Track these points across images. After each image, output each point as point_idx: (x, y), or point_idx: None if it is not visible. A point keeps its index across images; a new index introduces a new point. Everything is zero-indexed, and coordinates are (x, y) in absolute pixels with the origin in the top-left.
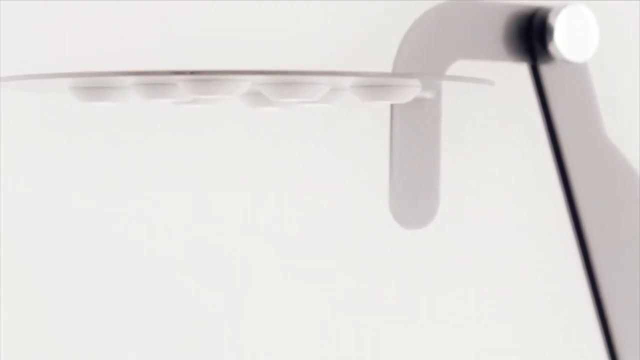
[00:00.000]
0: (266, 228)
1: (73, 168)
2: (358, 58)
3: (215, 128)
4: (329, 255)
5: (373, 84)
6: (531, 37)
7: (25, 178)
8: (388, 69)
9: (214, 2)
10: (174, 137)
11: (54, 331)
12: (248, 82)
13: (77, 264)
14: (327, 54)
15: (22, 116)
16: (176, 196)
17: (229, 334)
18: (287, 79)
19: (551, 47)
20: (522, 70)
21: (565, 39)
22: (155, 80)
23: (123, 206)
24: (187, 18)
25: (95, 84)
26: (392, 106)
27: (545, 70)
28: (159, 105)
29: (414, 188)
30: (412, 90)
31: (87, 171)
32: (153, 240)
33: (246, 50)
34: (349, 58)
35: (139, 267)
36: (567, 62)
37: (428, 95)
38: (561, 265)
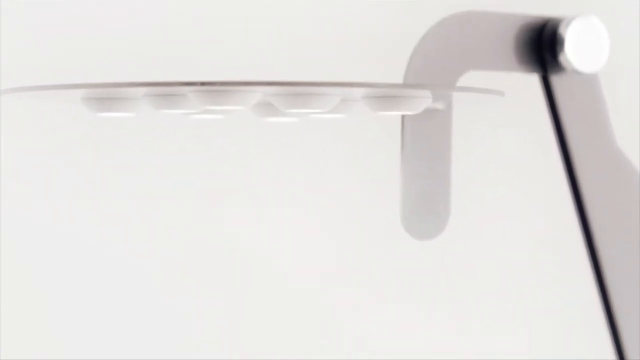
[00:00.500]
0: (277, 239)
1: (77, 172)
2: (369, 69)
3: (224, 138)
4: (340, 263)
5: (384, 95)
6: (542, 48)
7: (28, 182)
8: (399, 79)
9: (222, 12)
10: (183, 147)
11: (54, 331)
12: (259, 93)
13: (77, 266)
14: (338, 64)
15: (28, 120)
16: (182, 204)
17: (233, 342)
18: (298, 90)
19: (562, 58)
20: (532, 80)
21: (576, 50)
22: (166, 91)
23: (126, 211)
24: (195, 27)
25: (106, 95)
26: (403, 117)
27: (555, 81)
28: (169, 116)
29: (424, 199)
30: (423, 101)
31: (92, 176)
32: (158, 246)
33: (256, 60)
34: (360, 69)
35: (140, 271)
36: (577, 73)
37: (439, 106)
38: (571, 273)
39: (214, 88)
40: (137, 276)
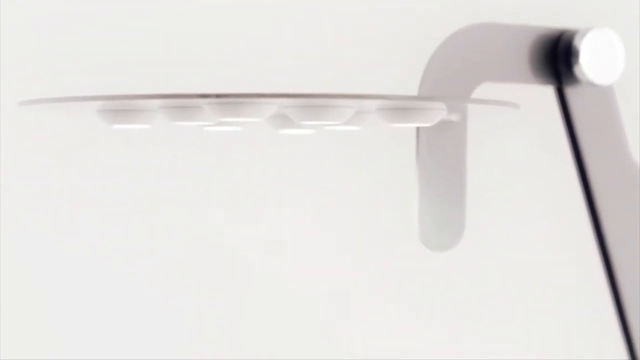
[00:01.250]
0: (292, 251)
1: (82, 178)
2: (384, 81)
3: (239, 149)
4: (354, 273)
5: (399, 107)
6: (557, 60)
7: (34, 185)
8: (414, 91)
9: (237, 22)
10: (197, 158)
11: (54, 331)
12: (274, 105)
13: (78, 269)
14: (353, 77)
15: (31, 125)
16: (195, 214)
17: (234, 345)
18: (313, 102)
19: (577, 70)
20: (548, 92)
21: (591, 62)
22: (181, 103)
23: (133, 217)
24: (208, 38)
25: (122, 107)
26: (418, 129)
27: (570, 92)
28: (183, 128)
29: (440, 211)
30: (437, 113)
31: (97, 181)
32: (166, 252)
33: (270, 72)
34: (375, 80)
35: (146, 275)
36: (592, 85)
37: (454, 117)
38: (586, 283)
39: (229, 100)
40: (143, 280)
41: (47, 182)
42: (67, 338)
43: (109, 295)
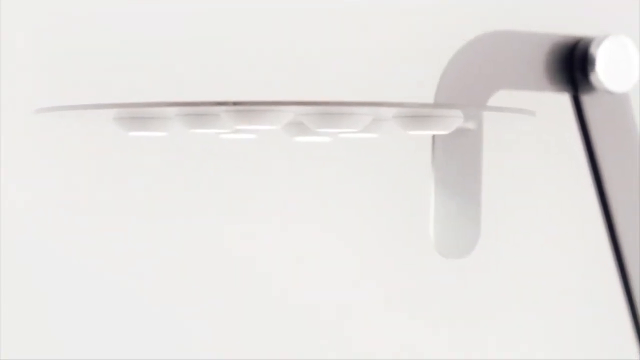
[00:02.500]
0: (307, 259)
1: (89, 181)
2: (400, 88)
3: (253, 157)
4: (368, 279)
5: (415, 115)
6: (573, 68)
7: (36, 187)
8: (430, 99)
9: (249, 31)
10: (211, 164)
11: (54, 332)
12: (291, 112)
13: (80, 270)
14: (369, 84)
15: (35, 125)
16: (202, 220)
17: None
18: (330, 109)
19: (593, 78)
20: (563, 100)
21: (607, 69)
22: (198, 110)
23: (132, 215)
24: (223, 46)
25: (139, 115)
26: (434, 136)
27: (586, 100)
28: (199, 135)
29: (455, 219)
30: (453, 120)
31: (101, 184)
32: (174, 258)
33: (287, 79)
34: (392, 88)
35: (152, 280)
36: (608, 93)
37: (470, 125)
38: (603, 292)
39: (246, 108)
40: (147, 286)
41: (49, 184)
42: (67, 338)
43: (111, 299)
